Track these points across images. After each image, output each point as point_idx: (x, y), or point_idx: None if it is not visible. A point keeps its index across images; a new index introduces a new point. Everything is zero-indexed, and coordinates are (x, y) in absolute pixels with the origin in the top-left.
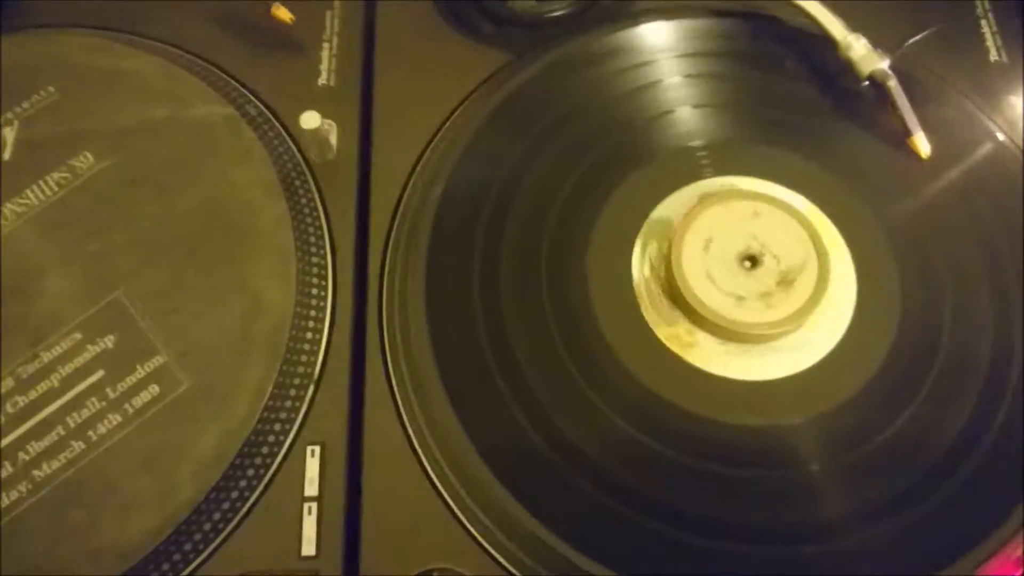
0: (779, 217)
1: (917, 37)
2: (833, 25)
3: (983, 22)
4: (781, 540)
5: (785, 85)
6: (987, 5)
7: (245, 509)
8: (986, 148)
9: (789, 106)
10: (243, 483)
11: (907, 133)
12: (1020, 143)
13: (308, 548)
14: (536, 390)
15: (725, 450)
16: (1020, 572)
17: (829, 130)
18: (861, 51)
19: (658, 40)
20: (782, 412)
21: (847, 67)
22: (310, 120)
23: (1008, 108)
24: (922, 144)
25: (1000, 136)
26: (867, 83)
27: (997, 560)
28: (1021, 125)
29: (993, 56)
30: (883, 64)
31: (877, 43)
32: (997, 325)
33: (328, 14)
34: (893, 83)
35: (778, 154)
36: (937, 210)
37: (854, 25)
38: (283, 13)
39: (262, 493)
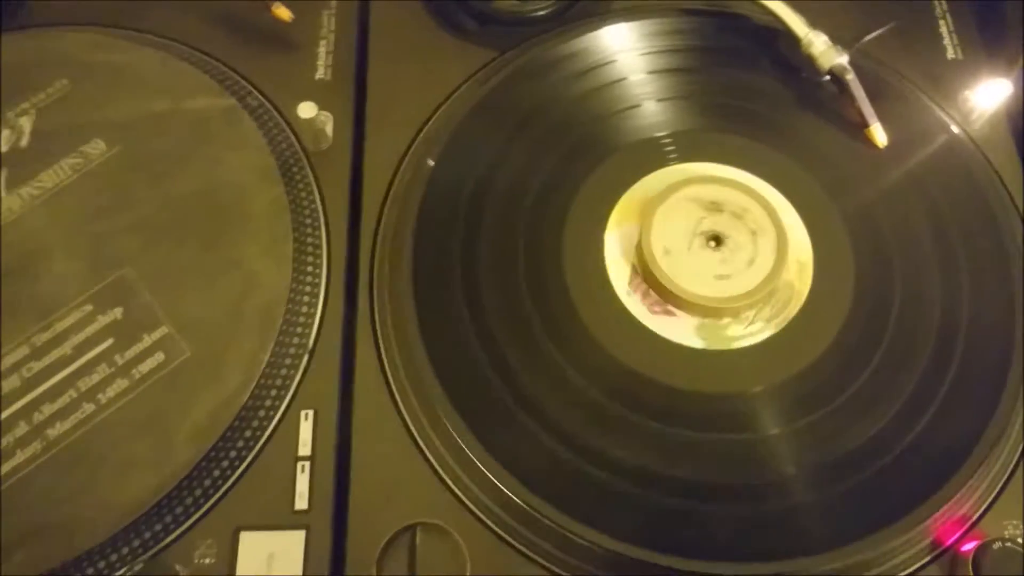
0: (742, 200)
1: (873, 34)
2: (794, 22)
3: (941, 22)
4: (743, 499)
5: (753, 79)
6: (945, 6)
7: (242, 468)
8: (940, 139)
9: (755, 98)
10: (240, 444)
11: (864, 124)
12: (973, 135)
13: (301, 503)
14: (513, 360)
15: (690, 415)
16: (963, 529)
17: (791, 120)
18: (821, 47)
19: (629, 38)
20: (745, 380)
21: (808, 62)
22: (307, 110)
23: (963, 103)
24: (879, 134)
25: (954, 128)
26: (828, 77)
27: (943, 515)
28: (974, 118)
29: (950, 54)
30: (842, 59)
31: (837, 39)
32: (944, 301)
33: (325, 13)
34: (851, 77)
35: (743, 142)
36: (892, 195)
37: (815, 21)
38: (283, 12)
39: (258, 454)
